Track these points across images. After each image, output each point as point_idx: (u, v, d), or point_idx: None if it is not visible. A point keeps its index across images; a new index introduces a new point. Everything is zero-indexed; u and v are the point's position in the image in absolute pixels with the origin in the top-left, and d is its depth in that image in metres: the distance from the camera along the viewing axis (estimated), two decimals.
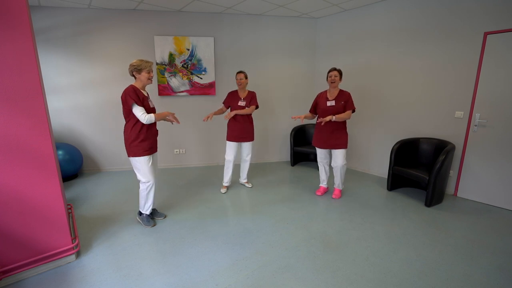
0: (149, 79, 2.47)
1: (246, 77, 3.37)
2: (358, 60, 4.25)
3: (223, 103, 3.53)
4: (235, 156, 3.52)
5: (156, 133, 2.67)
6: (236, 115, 3.36)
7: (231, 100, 3.45)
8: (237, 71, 3.47)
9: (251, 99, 3.46)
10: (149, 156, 2.57)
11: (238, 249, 2.33)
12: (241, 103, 3.40)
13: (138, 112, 2.39)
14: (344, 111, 3.09)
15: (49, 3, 3.78)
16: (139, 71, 2.42)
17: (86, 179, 4.16)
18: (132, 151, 2.50)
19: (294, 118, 3.16)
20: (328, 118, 2.96)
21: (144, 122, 2.41)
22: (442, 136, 3.47)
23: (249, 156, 3.62)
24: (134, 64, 2.41)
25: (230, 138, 3.47)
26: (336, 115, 3.01)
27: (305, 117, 3.23)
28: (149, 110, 2.52)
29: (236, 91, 3.48)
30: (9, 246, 1.90)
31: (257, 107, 3.48)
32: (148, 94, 2.62)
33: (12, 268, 1.91)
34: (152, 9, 4.12)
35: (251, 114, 3.49)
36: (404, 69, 3.77)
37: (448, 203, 3.23)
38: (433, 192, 3.06)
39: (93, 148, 4.44)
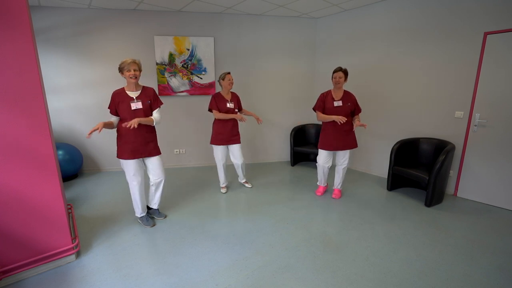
0: (130, 77, 2.39)
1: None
2: (358, 60, 4.25)
3: (210, 107, 3.33)
4: (224, 157, 3.47)
5: (142, 136, 2.53)
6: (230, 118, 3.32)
7: (219, 103, 3.32)
8: (225, 72, 3.32)
9: (238, 100, 3.47)
10: (132, 160, 2.52)
11: (238, 249, 2.33)
12: (230, 105, 3.34)
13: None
14: (350, 111, 3.12)
15: (49, 3, 3.78)
16: (122, 71, 2.40)
17: (86, 179, 4.16)
18: (117, 152, 2.57)
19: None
20: (359, 122, 3.03)
21: None
22: (442, 136, 3.47)
23: (242, 157, 3.51)
24: (119, 64, 2.40)
25: (218, 141, 3.36)
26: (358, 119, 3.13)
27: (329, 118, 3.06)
28: (126, 112, 2.44)
29: (220, 93, 3.37)
30: (9, 246, 1.90)
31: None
32: (142, 94, 2.52)
33: (12, 268, 1.91)
34: (152, 9, 4.12)
35: None
36: (404, 69, 3.77)
37: (448, 203, 3.23)
38: (433, 192, 3.06)
39: (93, 148, 4.44)
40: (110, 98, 2.51)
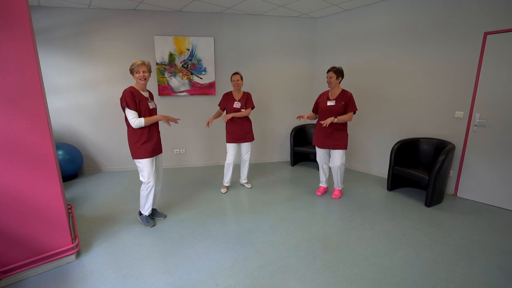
0: (140, 79, 2.44)
1: (241, 78, 3.39)
2: (358, 60, 4.25)
3: (219, 105, 3.56)
4: (235, 157, 3.52)
5: (158, 135, 2.68)
6: (233, 117, 3.36)
7: (226, 102, 3.46)
8: (233, 72, 3.47)
9: (247, 100, 3.47)
10: (151, 158, 2.58)
11: (238, 249, 2.33)
12: (236, 104, 3.39)
13: (130, 115, 2.41)
14: (344, 112, 3.08)
15: (49, 3, 3.78)
16: (131, 72, 2.46)
17: (86, 179, 4.16)
18: (135, 153, 2.54)
19: (299, 117, 3.21)
20: (330, 119, 2.95)
21: (134, 126, 2.43)
22: (442, 136, 3.47)
23: (248, 154, 3.60)
24: (130, 67, 2.46)
25: (230, 140, 3.47)
26: (339, 117, 3.00)
27: (308, 117, 3.24)
28: (147, 111, 2.51)
29: (231, 92, 3.48)
30: (9, 246, 1.90)
31: (253, 107, 3.50)
32: (150, 95, 2.64)
33: (12, 268, 1.91)
34: (152, 9, 4.12)
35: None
36: (404, 69, 3.77)
37: (448, 203, 3.23)
38: (433, 192, 3.06)
39: (93, 148, 4.44)
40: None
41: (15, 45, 1.74)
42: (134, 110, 2.41)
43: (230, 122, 3.44)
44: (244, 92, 3.49)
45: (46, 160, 1.93)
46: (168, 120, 2.60)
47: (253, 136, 3.57)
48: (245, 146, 3.56)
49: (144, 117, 2.47)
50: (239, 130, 3.44)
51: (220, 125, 4.61)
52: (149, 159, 2.55)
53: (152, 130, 2.58)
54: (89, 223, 2.79)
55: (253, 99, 3.57)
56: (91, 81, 4.21)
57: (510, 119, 2.96)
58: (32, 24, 2.43)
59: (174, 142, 4.69)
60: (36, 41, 3.79)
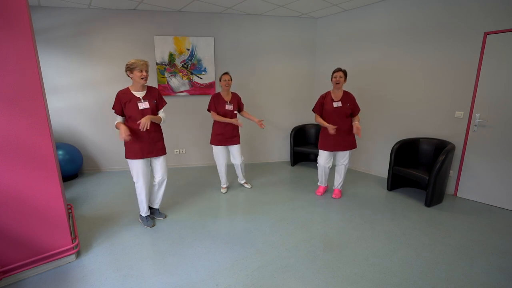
0: (142, 78, 2.40)
1: (231, 79, 3.32)
2: (358, 60, 4.25)
3: (209, 108, 3.36)
4: (224, 158, 3.46)
5: (150, 137, 2.57)
6: (230, 120, 3.28)
7: (217, 104, 3.32)
8: (223, 72, 3.37)
9: (238, 102, 3.44)
10: (139, 159, 2.54)
11: (238, 249, 2.33)
12: (228, 106, 3.32)
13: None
14: (350, 112, 3.11)
15: (49, 3, 3.78)
16: (131, 70, 2.39)
17: (86, 179, 4.16)
18: (125, 152, 2.57)
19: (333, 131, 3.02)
20: (358, 125, 2.97)
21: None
22: (442, 136, 3.47)
23: (242, 159, 3.51)
24: (128, 63, 2.39)
25: (215, 142, 3.37)
26: (357, 121, 3.09)
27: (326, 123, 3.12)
28: (135, 112, 2.46)
29: (219, 94, 3.37)
30: (9, 246, 1.90)
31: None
32: (148, 93, 2.55)
33: (12, 268, 1.91)
34: (152, 9, 4.12)
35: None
36: (404, 69, 3.77)
37: (448, 203, 3.23)
38: (433, 192, 3.06)
39: (93, 148, 4.44)
40: (110, 98, 2.52)
41: (15, 45, 1.74)
42: (117, 113, 2.52)
43: (220, 124, 3.34)
44: (232, 93, 3.43)
45: (46, 160, 1.93)
46: (122, 137, 2.32)
47: (239, 139, 3.48)
48: (235, 150, 3.45)
49: (133, 117, 2.46)
50: (228, 133, 3.36)
51: None
52: (136, 160, 2.53)
53: (137, 132, 2.48)
54: (89, 223, 2.79)
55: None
56: (91, 81, 4.21)
57: (510, 119, 2.96)
58: (32, 24, 2.43)
59: (174, 142, 4.69)
60: (36, 41, 3.79)
